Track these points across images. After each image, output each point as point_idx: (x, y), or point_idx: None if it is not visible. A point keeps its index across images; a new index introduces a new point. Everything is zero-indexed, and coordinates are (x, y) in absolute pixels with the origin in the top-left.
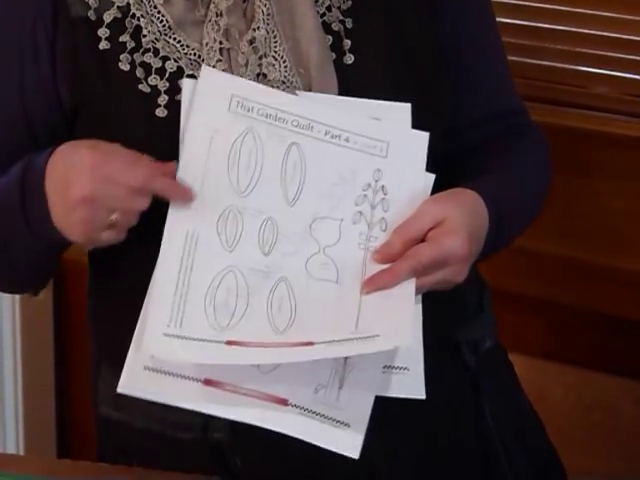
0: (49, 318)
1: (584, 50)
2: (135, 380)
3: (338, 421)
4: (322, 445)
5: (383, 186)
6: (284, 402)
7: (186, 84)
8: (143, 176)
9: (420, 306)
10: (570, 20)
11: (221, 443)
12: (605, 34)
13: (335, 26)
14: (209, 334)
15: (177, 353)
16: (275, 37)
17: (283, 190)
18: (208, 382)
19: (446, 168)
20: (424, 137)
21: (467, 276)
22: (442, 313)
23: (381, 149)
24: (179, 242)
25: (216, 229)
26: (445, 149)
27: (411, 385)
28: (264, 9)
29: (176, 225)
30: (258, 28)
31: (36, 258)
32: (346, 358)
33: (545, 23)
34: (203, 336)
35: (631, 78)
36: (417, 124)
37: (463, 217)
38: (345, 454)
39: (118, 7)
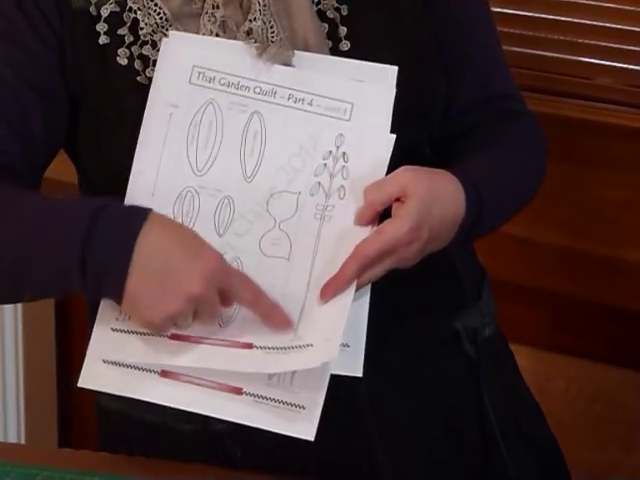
0: (51, 309)
1: (586, 41)
2: (94, 374)
3: (293, 404)
4: (277, 431)
5: (344, 153)
6: (239, 391)
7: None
8: (251, 296)
9: (368, 294)
10: (572, 11)
11: (221, 434)
12: (607, 25)
13: (330, 14)
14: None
15: (123, 349)
16: (272, 27)
17: (241, 165)
18: (164, 374)
19: (437, 152)
20: (390, 92)
21: (465, 264)
22: (440, 301)
23: (345, 111)
24: None
25: (172, 212)
26: (439, 134)
27: (350, 362)
28: (260, 0)
29: None
30: (255, 19)
31: (54, 291)
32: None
33: (547, 14)
34: (147, 330)
35: (633, 69)
36: (415, 110)
37: (425, 203)
38: (301, 437)
39: (115, 1)
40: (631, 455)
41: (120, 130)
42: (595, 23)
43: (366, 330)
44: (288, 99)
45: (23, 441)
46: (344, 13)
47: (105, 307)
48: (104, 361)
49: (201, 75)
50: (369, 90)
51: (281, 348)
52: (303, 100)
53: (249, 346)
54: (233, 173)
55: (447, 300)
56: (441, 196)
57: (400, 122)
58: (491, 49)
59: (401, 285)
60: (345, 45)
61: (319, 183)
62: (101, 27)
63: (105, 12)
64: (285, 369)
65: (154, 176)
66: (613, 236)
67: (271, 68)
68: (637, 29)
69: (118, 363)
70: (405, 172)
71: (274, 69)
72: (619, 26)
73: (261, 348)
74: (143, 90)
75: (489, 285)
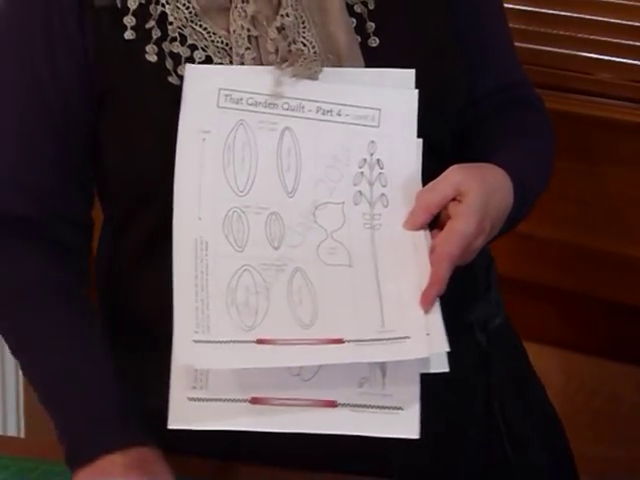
0: None
1: (588, 36)
2: (183, 413)
3: (390, 407)
4: (380, 435)
5: (378, 160)
6: (333, 404)
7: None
8: None
9: None
10: (574, 6)
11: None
12: (609, 20)
13: (357, 8)
14: (238, 335)
15: (210, 359)
16: (303, 22)
17: (281, 181)
18: (255, 400)
19: (456, 140)
20: (413, 96)
21: (479, 251)
22: (455, 292)
23: (373, 118)
24: (189, 250)
25: (223, 232)
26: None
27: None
28: None
29: (183, 235)
30: (287, 14)
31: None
32: None
33: (549, 9)
34: (232, 338)
35: (634, 64)
36: (438, 107)
37: (483, 196)
38: (405, 437)
39: None
40: (631, 450)
41: (149, 134)
42: (596, 18)
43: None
44: (317, 112)
45: (22, 434)
46: (371, 7)
47: (179, 375)
48: (190, 399)
49: (228, 97)
50: (393, 95)
51: (374, 340)
52: (331, 111)
53: (340, 341)
54: (274, 190)
55: (461, 291)
56: (495, 189)
57: (424, 120)
58: (505, 37)
59: None
60: (374, 41)
61: (360, 192)
62: (129, 20)
63: (133, 4)
64: (386, 358)
65: (197, 201)
66: (617, 231)
67: (295, 83)
68: (638, 24)
69: (205, 399)
70: (456, 171)
71: (298, 84)
72: (620, 21)
73: (352, 341)
74: (175, 92)
75: (496, 272)
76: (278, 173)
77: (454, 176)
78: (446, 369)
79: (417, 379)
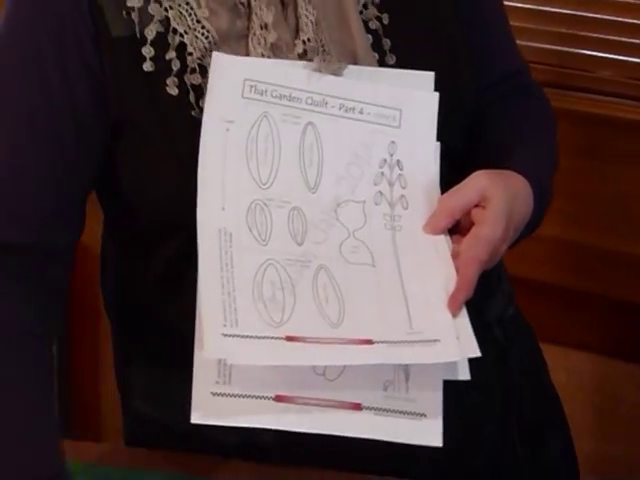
0: None
1: (589, 34)
2: (206, 408)
3: (413, 413)
4: (403, 441)
5: (398, 161)
6: (358, 407)
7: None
8: None
9: None
10: (575, 4)
11: (269, 446)
12: (610, 18)
13: (372, 24)
14: (266, 331)
15: (240, 354)
16: (323, 46)
17: (303, 176)
18: (279, 398)
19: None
20: (434, 99)
21: None
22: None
23: (394, 118)
24: (214, 240)
25: (247, 224)
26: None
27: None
28: (311, 18)
29: (207, 224)
30: (308, 40)
31: None
32: None
33: (550, 7)
34: (261, 333)
35: (636, 62)
36: (452, 114)
37: (507, 203)
38: (428, 444)
39: (159, 21)
40: (630, 449)
41: (171, 167)
42: (597, 16)
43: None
44: (339, 109)
45: None
46: (385, 22)
47: (201, 369)
48: (213, 394)
49: (253, 88)
50: (414, 97)
51: (403, 342)
52: (354, 109)
53: (369, 342)
54: (297, 184)
55: (477, 291)
56: (517, 195)
57: (439, 126)
58: (505, 26)
59: None
60: (391, 59)
61: (380, 192)
62: (147, 51)
63: (150, 34)
64: (416, 361)
65: (220, 191)
66: (618, 228)
67: (320, 78)
68: (638, 21)
69: (228, 394)
70: (481, 177)
71: (323, 79)
72: (621, 19)
73: (382, 342)
74: (198, 126)
75: (503, 262)
76: (300, 168)
77: (479, 182)
78: (467, 377)
79: (440, 385)
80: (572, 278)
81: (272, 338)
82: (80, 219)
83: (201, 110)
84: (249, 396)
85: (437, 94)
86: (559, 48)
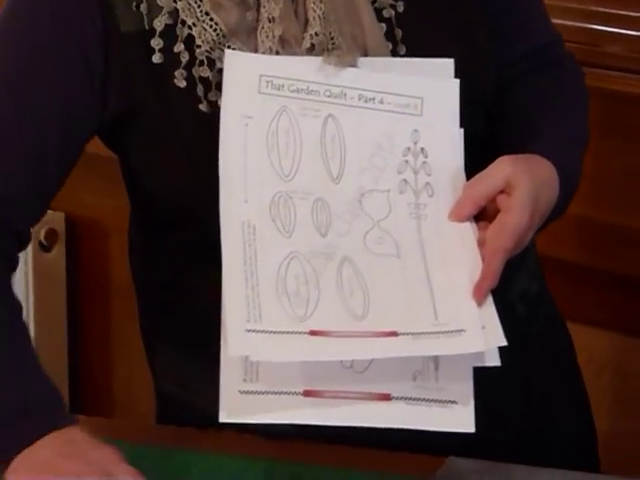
0: (62, 276)
1: (597, 8)
2: (234, 407)
3: (444, 401)
4: (436, 429)
5: (422, 148)
6: (387, 397)
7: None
8: None
9: None
10: None
11: (286, 432)
12: None
13: (386, 12)
14: (290, 326)
15: (263, 350)
16: (332, 39)
17: (326, 167)
18: (307, 393)
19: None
20: (455, 85)
21: None
22: None
23: (415, 106)
24: (237, 234)
25: (270, 216)
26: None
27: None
28: (319, 12)
29: (230, 217)
30: (316, 34)
31: None
32: None
33: None
34: (285, 328)
35: None
36: (472, 101)
37: (534, 190)
38: (461, 431)
39: (168, 12)
40: (638, 424)
41: (180, 159)
42: None
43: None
44: (359, 99)
45: None
46: (400, 10)
47: (229, 368)
48: (240, 392)
49: (269, 84)
50: (435, 84)
51: (429, 333)
52: (373, 99)
53: (394, 334)
54: (319, 176)
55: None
56: (544, 182)
57: (463, 115)
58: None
59: None
60: (402, 49)
61: (405, 180)
62: (156, 43)
63: (159, 26)
64: (442, 352)
65: (243, 184)
66: (628, 204)
67: (337, 71)
68: None
69: (256, 391)
70: (505, 163)
71: (339, 72)
72: None
73: (407, 334)
74: (206, 118)
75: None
76: (323, 159)
77: (504, 168)
78: (497, 363)
79: (470, 372)
80: (582, 255)
81: (296, 333)
82: (47, 201)
83: (210, 103)
84: (277, 392)
85: (458, 80)
86: (567, 23)
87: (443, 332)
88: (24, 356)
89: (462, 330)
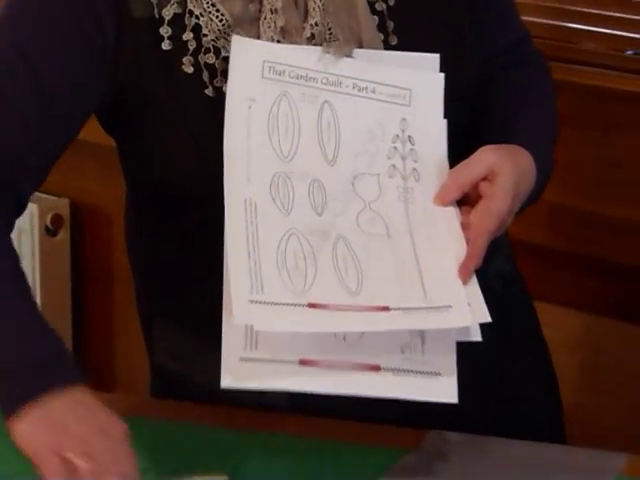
0: (66, 258)
1: (574, 8)
2: (235, 373)
3: (429, 372)
4: (420, 399)
5: (409, 136)
6: (377, 368)
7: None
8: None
9: None
10: None
11: (279, 407)
12: None
13: (378, 6)
14: (290, 298)
15: (265, 320)
16: (329, 29)
17: (322, 151)
18: (303, 362)
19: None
20: (440, 79)
21: None
22: None
23: (404, 97)
24: (240, 211)
25: (270, 195)
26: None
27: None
28: (319, 3)
29: (234, 194)
30: (316, 24)
31: None
32: None
33: None
34: (285, 300)
35: (617, 34)
36: (457, 93)
37: (515, 178)
38: (444, 401)
39: (176, 2)
40: (612, 397)
41: (187, 142)
42: None
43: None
44: (353, 88)
45: None
46: (391, 4)
47: (229, 336)
48: (241, 359)
49: (271, 69)
50: (422, 77)
51: (418, 308)
52: (366, 89)
53: (386, 309)
54: (316, 158)
55: None
56: (524, 170)
57: (447, 105)
58: None
59: None
60: (393, 40)
61: (394, 165)
62: (165, 31)
63: (167, 14)
64: (430, 326)
65: (246, 164)
66: (601, 192)
67: (334, 61)
68: None
69: (256, 359)
70: (490, 152)
71: (337, 62)
72: None
73: (398, 309)
74: (211, 103)
75: None
76: (319, 143)
77: (488, 157)
78: (479, 338)
79: (454, 346)
80: (559, 240)
81: (295, 305)
82: (46, 170)
83: (215, 89)
84: (275, 361)
85: (443, 75)
86: (546, 21)
87: (432, 308)
88: (32, 312)
89: (449, 306)
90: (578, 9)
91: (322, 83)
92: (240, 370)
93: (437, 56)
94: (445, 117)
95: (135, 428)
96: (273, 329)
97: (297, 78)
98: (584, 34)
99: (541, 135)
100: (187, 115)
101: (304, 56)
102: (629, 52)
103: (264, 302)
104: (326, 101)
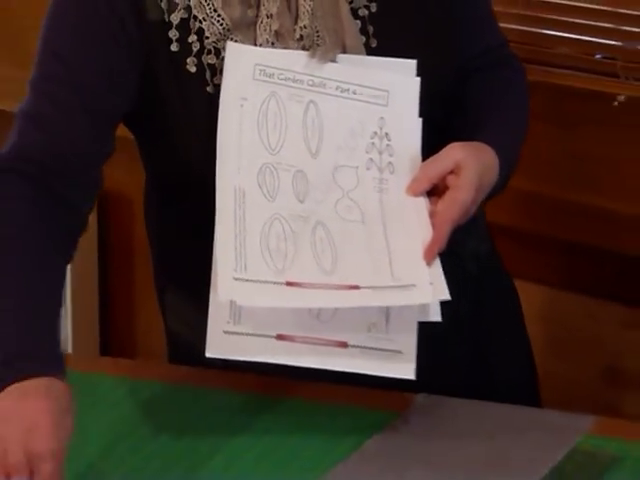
0: (94, 238)
1: (548, 16)
2: (219, 345)
3: (391, 350)
4: (382, 374)
5: (387, 133)
6: (345, 345)
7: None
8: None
9: None
10: None
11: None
12: (566, 2)
13: (361, 12)
14: (270, 277)
15: (247, 296)
16: (317, 32)
17: (306, 145)
18: (280, 337)
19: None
20: (416, 83)
21: None
22: None
23: (383, 98)
24: (230, 196)
25: (257, 183)
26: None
27: (428, 307)
28: (308, 8)
29: (225, 182)
30: (305, 27)
31: None
32: None
33: None
34: (266, 278)
35: (588, 40)
36: (436, 94)
37: (477, 172)
38: (403, 377)
39: (183, 8)
40: (581, 366)
41: (190, 135)
42: (555, 0)
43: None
44: (336, 89)
45: (70, 350)
46: (373, 10)
47: (215, 310)
48: (225, 332)
49: (262, 72)
50: (399, 80)
51: (386, 287)
52: (348, 90)
53: (357, 287)
54: (301, 152)
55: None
56: (487, 165)
57: (424, 105)
58: (487, 5)
59: None
60: (373, 42)
61: (371, 159)
62: (173, 34)
63: (175, 19)
64: (396, 303)
65: (237, 155)
66: (572, 182)
67: (319, 64)
68: (591, 6)
69: (238, 332)
70: (457, 148)
71: (321, 65)
72: (575, 3)
73: (367, 288)
74: (211, 99)
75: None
76: (304, 138)
77: (455, 152)
78: (439, 319)
79: (415, 326)
80: (530, 222)
81: (274, 283)
82: (108, 149)
83: (215, 86)
84: (255, 334)
85: (418, 79)
86: (523, 28)
87: (397, 286)
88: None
89: (413, 285)
90: (553, 17)
91: (308, 85)
92: (223, 342)
93: (414, 62)
94: (421, 115)
95: (153, 391)
96: (254, 304)
97: (285, 80)
98: (558, 39)
99: (507, 134)
100: (191, 111)
101: (292, 60)
102: (598, 56)
103: (247, 280)
104: (311, 101)
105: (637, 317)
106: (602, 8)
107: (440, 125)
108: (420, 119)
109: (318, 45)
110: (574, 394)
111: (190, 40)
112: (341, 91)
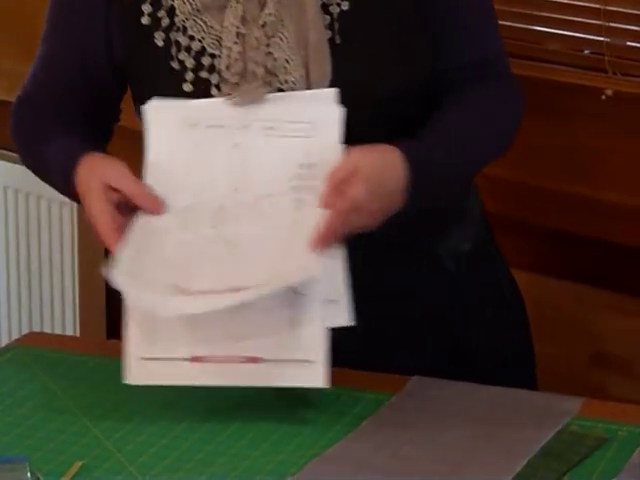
0: None
1: (539, 13)
2: (138, 372)
3: (302, 360)
4: (295, 385)
5: (312, 163)
6: (256, 360)
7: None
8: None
9: (343, 251)
10: None
11: None
12: (554, 0)
13: (332, 8)
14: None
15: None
16: (282, 21)
17: (229, 182)
18: (194, 359)
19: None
20: (338, 111)
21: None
22: (422, 233)
23: (308, 130)
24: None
25: (176, 217)
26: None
27: (341, 315)
28: None
29: (144, 229)
30: (270, 14)
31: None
32: (293, 306)
33: None
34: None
35: (577, 36)
36: (402, 88)
37: (376, 169)
38: (315, 386)
39: None
40: (569, 347)
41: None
42: None
43: (347, 283)
44: (261, 129)
45: (78, 333)
46: (345, 8)
47: (131, 338)
48: (142, 358)
49: (188, 122)
50: (321, 111)
51: (279, 276)
52: (273, 128)
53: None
54: (225, 190)
55: (430, 231)
56: (388, 165)
57: (397, 102)
58: (482, 18)
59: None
60: (338, 39)
61: (294, 186)
62: (146, 8)
63: None
64: (287, 282)
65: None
66: (560, 172)
67: (244, 108)
68: (581, 3)
69: (154, 358)
70: (353, 152)
71: (246, 108)
72: (565, 0)
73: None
74: (174, 73)
75: (479, 202)
76: (229, 177)
77: (352, 156)
78: (350, 323)
79: (324, 333)
80: (520, 211)
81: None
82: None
83: (179, 61)
84: (170, 358)
85: (340, 107)
86: (516, 25)
87: (289, 284)
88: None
89: (299, 269)
90: (544, 14)
91: (235, 128)
92: (141, 369)
93: (334, 91)
94: (388, 111)
95: None
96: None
97: (210, 127)
98: (548, 36)
99: (450, 149)
100: (156, 82)
101: (217, 108)
102: (586, 51)
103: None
104: (237, 143)
105: (623, 302)
106: (590, 5)
107: (412, 122)
108: (343, 146)
109: (247, 80)
110: (562, 377)
111: (159, 15)
112: (266, 129)
